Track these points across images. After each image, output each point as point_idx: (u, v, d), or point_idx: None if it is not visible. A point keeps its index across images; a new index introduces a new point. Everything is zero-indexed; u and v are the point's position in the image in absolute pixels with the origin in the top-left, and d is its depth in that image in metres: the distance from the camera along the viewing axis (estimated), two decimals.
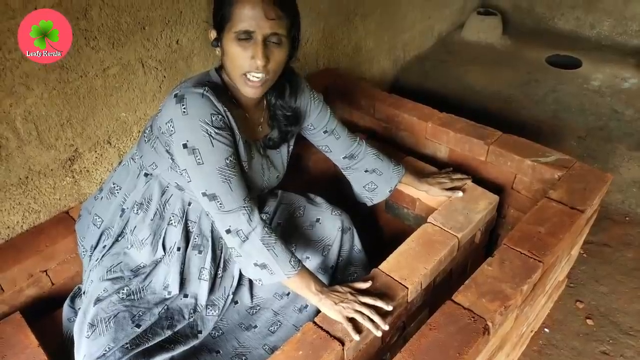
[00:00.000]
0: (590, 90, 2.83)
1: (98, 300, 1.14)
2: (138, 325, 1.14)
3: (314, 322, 1.10)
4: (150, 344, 1.14)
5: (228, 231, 1.07)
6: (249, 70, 1.02)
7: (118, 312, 1.13)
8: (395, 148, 1.81)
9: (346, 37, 2.42)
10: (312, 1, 2.08)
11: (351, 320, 1.07)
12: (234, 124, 1.08)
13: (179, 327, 1.20)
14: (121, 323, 1.12)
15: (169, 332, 1.18)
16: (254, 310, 1.37)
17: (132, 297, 1.17)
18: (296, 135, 1.35)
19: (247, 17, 0.97)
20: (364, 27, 2.52)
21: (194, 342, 1.23)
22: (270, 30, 0.99)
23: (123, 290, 1.17)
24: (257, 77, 1.04)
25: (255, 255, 1.08)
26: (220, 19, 1.00)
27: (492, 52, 3.34)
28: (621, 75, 2.93)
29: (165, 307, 1.20)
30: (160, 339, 1.16)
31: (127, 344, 1.10)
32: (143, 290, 1.20)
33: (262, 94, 1.10)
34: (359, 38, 2.53)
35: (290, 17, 1.03)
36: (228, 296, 1.30)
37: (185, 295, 1.24)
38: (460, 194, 1.48)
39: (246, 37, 0.99)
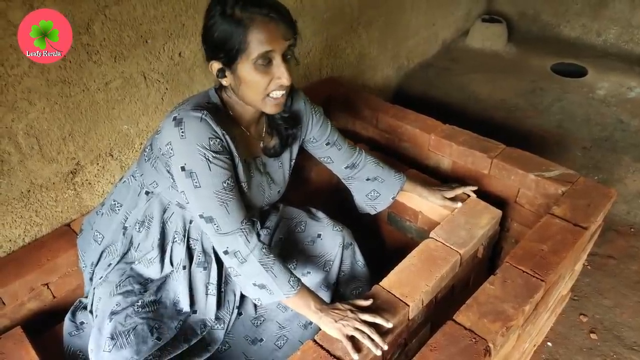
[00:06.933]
0: (595, 99, 2.80)
1: (113, 314, 1.14)
2: (159, 338, 1.14)
3: (314, 341, 1.09)
4: (171, 356, 1.15)
5: (226, 252, 1.07)
6: (274, 90, 1.04)
7: (136, 325, 1.12)
8: (398, 160, 1.80)
9: (349, 45, 2.42)
10: (315, 10, 2.07)
11: (351, 338, 1.06)
12: (232, 146, 1.08)
13: (193, 341, 1.21)
14: (141, 335, 1.11)
15: (185, 345, 1.19)
16: (259, 322, 1.37)
17: (147, 309, 1.17)
18: (298, 150, 1.35)
19: (265, 44, 0.98)
20: (368, 35, 2.51)
21: (206, 356, 1.24)
22: (287, 44, 1.01)
23: (137, 303, 1.17)
24: (282, 93, 1.06)
25: (254, 276, 1.08)
26: (235, 51, 0.99)
27: (496, 60, 3.32)
28: (627, 84, 2.89)
29: (181, 322, 1.21)
30: (179, 352, 1.17)
31: (150, 355, 1.10)
32: (156, 303, 1.20)
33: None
34: (363, 46, 2.52)
35: (295, 30, 1.04)
36: (233, 310, 1.30)
37: (195, 312, 1.24)
38: (459, 204, 1.47)
39: (266, 62, 1.00)
